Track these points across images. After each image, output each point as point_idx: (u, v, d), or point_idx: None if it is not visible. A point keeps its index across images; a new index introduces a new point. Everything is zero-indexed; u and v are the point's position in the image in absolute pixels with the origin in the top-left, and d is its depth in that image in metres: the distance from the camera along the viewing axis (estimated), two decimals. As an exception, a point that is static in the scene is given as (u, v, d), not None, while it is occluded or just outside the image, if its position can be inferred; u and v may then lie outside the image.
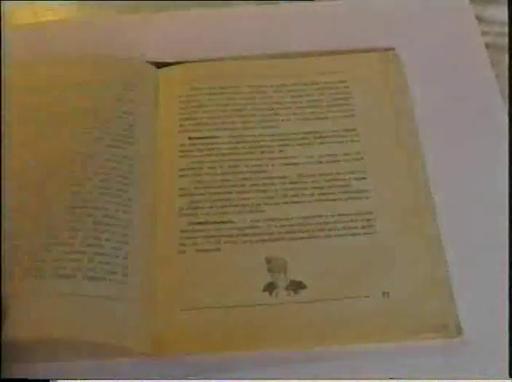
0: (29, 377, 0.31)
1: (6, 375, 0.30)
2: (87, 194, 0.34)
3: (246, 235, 0.34)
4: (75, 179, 0.34)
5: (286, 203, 0.35)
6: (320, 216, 0.34)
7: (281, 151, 0.37)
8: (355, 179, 0.36)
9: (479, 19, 0.42)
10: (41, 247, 0.32)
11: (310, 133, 0.37)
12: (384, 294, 0.32)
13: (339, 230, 0.34)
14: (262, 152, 0.37)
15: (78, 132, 0.36)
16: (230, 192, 0.35)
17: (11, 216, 0.34)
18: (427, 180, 0.36)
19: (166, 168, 0.36)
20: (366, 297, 0.32)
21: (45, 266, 0.32)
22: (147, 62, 0.40)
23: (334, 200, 0.35)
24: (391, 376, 0.30)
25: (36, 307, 0.31)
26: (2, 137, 0.36)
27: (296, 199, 0.35)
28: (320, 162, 0.36)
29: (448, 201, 0.35)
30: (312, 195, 0.35)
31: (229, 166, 0.36)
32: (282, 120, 0.38)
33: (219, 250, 0.34)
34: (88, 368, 0.31)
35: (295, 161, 0.36)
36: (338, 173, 0.36)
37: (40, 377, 0.31)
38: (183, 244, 0.34)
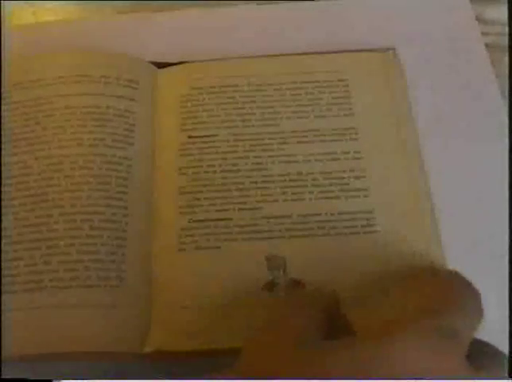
0: (29, 377, 0.31)
1: (6, 375, 0.30)
2: (86, 199, 0.34)
3: (245, 232, 0.34)
4: (74, 184, 0.34)
5: (286, 201, 0.35)
6: (320, 214, 0.34)
7: (280, 149, 0.37)
8: (355, 178, 0.36)
9: (479, 19, 0.42)
10: (41, 259, 0.32)
11: (309, 131, 0.37)
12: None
13: (338, 228, 0.34)
14: (262, 150, 0.37)
15: (78, 131, 0.36)
16: (229, 190, 0.35)
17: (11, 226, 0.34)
18: (426, 179, 0.35)
19: (166, 167, 0.36)
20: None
21: (44, 277, 0.32)
22: (147, 62, 0.40)
23: (333, 198, 0.35)
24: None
25: (35, 321, 0.31)
26: (2, 137, 0.36)
27: (295, 197, 0.35)
28: (320, 160, 0.36)
29: (447, 201, 0.35)
30: (312, 193, 0.35)
31: (228, 164, 0.36)
32: (282, 118, 0.38)
33: (218, 248, 0.34)
34: (88, 367, 0.31)
35: (294, 158, 0.36)
36: (337, 172, 0.36)
37: (41, 377, 0.31)
38: (183, 243, 0.34)
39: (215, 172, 0.36)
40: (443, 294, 0.25)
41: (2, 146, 0.36)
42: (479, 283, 0.32)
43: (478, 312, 0.25)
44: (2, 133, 0.37)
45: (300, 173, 0.36)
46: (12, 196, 0.34)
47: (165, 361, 0.31)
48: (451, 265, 0.33)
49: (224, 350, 0.31)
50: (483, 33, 0.42)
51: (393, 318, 0.23)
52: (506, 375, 0.25)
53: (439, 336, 0.22)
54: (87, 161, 0.35)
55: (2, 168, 0.35)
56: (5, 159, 0.36)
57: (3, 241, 0.33)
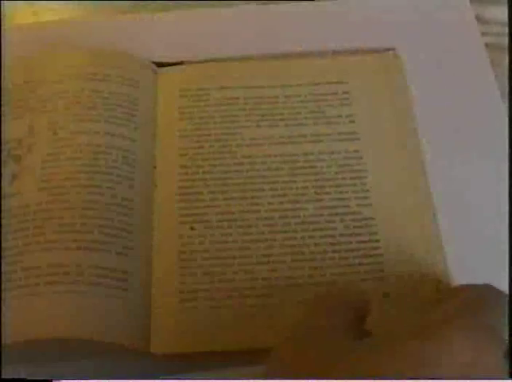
0: (29, 377, 0.31)
1: (6, 375, 0.30)
2: (89, 203, 0.33)
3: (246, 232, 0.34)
4: (85, 194, 0.34)
5: (282, 203, 0.35)
6: (321, 215, 0.34)
7: (277, 148, 0.37)
8: (354, 178, 0.35)
9: (479, 19, 0.42)
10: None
11: (309, 131, 0.37)
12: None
13: (338, 230, 0.34)
14: (259, 150, 0.37)
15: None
16: (229, 191, 0.35)
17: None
18: (427, 180, 0.36)
19: (166, 167, 0.36)
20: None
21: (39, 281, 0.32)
22: (148, 61, 0.40)
23: (334, 199, 0.35)
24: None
25: (35, 307, 0.31)
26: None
27: (294, 198, 0.35)
28: (319, 160, 0.36)
29: (447, 201, 0.35)
30: (311, 194, 0.35)
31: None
32: (281, 119, 0.38)
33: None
34: (88, 367, 0.31)
35: (294, 158, 0.36)
36: (337, 173, 0.36)
37: (41, 377, 0.31)
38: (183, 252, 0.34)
39: (212, 172, 0.36)
40: (478, 294, 0.26)
41: (2, 147, 0.36)
42: (478, 282, 0.33)
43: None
44: (2, 134, 0.36)
45: (296, 173, 0.36)
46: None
47: (165, 360, 0.31)
48: (450, 264, 0.33)
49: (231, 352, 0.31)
50: (483, 33, 0.42)
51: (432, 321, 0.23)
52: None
53: (480, 331, 0.22)
54: (95, 174, 0.35)
55: (2, 166, 0.35)
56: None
57: (3, 230, 0.33)
